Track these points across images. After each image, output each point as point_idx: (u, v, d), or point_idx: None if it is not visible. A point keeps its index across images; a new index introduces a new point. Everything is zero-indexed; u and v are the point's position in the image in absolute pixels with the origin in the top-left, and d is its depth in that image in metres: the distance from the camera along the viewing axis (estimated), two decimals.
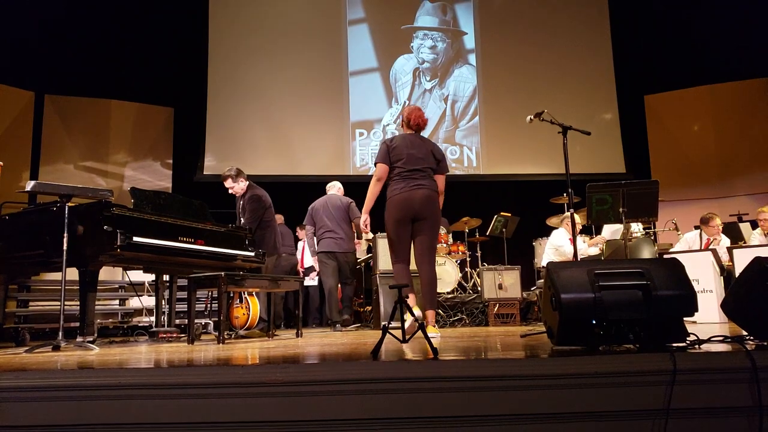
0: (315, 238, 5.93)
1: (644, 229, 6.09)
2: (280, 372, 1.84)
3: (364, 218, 3.97)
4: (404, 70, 8.90)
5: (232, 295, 4.62)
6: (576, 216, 6.24)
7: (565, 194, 6.53)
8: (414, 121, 4.05)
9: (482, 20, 9.13)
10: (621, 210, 4.44)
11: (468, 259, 7.09)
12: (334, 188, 6.21)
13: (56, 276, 6.24)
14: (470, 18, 9.12)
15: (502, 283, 6.25)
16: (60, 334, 3.43)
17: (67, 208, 3.58)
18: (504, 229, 7.16)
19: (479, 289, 6.50)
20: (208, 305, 6.00)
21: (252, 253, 4.82)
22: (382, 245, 5.95)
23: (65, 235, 3.54)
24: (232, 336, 4.48)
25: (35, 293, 6.68)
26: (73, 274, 3.82)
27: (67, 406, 1.96)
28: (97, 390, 1.94)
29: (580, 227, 6.16)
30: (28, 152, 7.79)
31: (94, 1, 7.99)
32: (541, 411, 1.90)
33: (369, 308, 7.21)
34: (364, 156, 8.66)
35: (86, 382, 1.96)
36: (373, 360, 2.00)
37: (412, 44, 8.96)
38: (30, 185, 3.46)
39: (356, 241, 6.29)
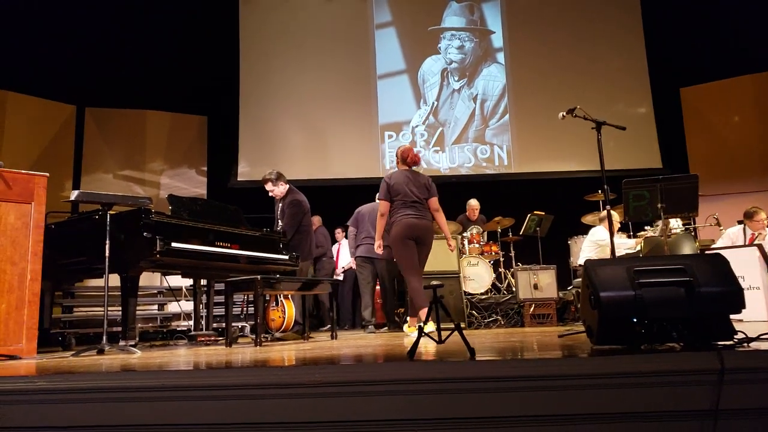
0: (356, 241, 6.03)
1: (684, 225, 5.93)
2: (319, 373, 1.86)
3: (378, 244, 4.64)
4: (432, 71, 8.88)
5: (267, 298, 4.68)
6: (613, 213, 6.15)
7: (600, 191, 6.42)
8: (411, 159, 4.72)
9: (510, 18, 9.04)
10: (659, 206, 4.33)
11: (501, 259, 7.02)
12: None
13: (98, 282, 6.43)
14: (498, 16, 9.04)
15: (538, 282, 6.16)
16: (104, 338, 3.54)
17: (108, 216, 3.69)
18: (538, 228, 7.06)
19: (514, 289, 6.43)
20: (244, 309, 6.09)
21: (286, 257, 4.87)
22: None
23: (107, 242, 3.65)
24: (269, 339, 4.54)
25: (79, 299, 6.91)
26: (114, 280, 3.93)
27: (111, 407, 2.01)
28: (139, 392, 1.99)
29: (618, 225, 6.03)
30: (70, 163, 8.06)
31: (128, 15, 8.21)
32: (581, 412, 1.87)
33: (402, 310, 7.21)
34: (393, 158, 8.65)
35: (130, 383, 2.01)
36: (410, 360, 2.00)
37: (439, 45, 8.94)
38: (74, 195, 3.58)
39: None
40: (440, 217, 4.74)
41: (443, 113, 8.81)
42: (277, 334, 4.70)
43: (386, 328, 6.14)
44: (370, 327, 5.81)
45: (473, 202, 7.45)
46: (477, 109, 8.81)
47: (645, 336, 2.13)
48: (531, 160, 8.72)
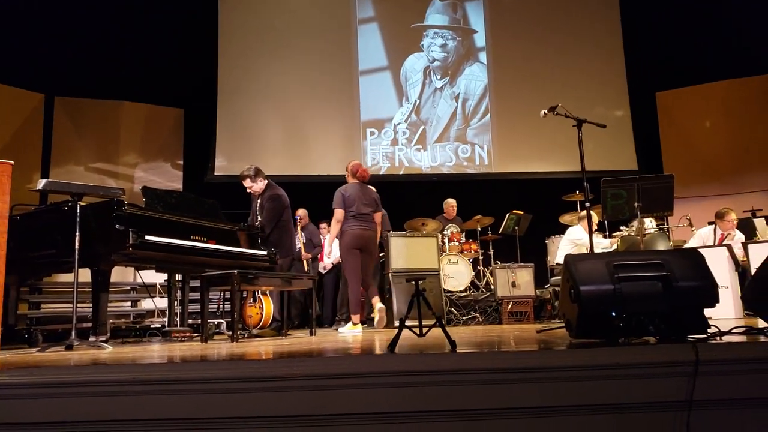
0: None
1: (657, 225, 6.02)
2: (297, 366, 1.81)
3: (328, 250, 5.57)
4: (414, 68, 8.87)
5: (245, 294, 4.61)
6: (592, 213, 6.21)
7: (578, 191, 6.50)
8: (360, 174, 5.40)
9: (492, 18, 9.08)
10: (636, 204, 4.38)
11: (480, 257, 7.05)
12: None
13: (67, 278, 6.26)
14: (480, 16, 9.07)
15: (516, 280, 6.20)
16: (72, 333, 3.43)
17: (78, 207, 3.58)
18: (516, 227, 7.10)
19: (492, 287, 6.45)
20: (221, 306, 5.99)
21: (264, 252, 4.80)
22: (395, 244, 5.94)
23: (77, 234, 3.54)
24: (245, 335, 4.46)
25: (47, 295, 6.72)
26: (84, 275, 3.82)
27: (80, 402, 1.94)
28: (111, 386, 1.92)
29: (596, 225, 6.09)
30: (38, 154, 7.83)
31: (106, 4, 8.02)
32: (560, 403, 1.87)
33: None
34: (375, 155, 8.63)
35: (100, 377, 1.94)
36: (390, 353, 1.97)
37: (422, 43, 8.93)
38: (41, 183, 3.47)
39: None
40: (380, 229, 5.46)
41: (425, 111, 8.80)
42: (255, 331, 4.63)
43: (365, 325, 6.10)
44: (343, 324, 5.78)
45: (450, 201, 7.48)
46: (459, 108, 8.82)
47: (623, 329, 2.14)
48: (511, 160, 8.77)
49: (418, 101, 8.79)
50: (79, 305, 3.80)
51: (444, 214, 7.48)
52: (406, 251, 5.92)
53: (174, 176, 8.59)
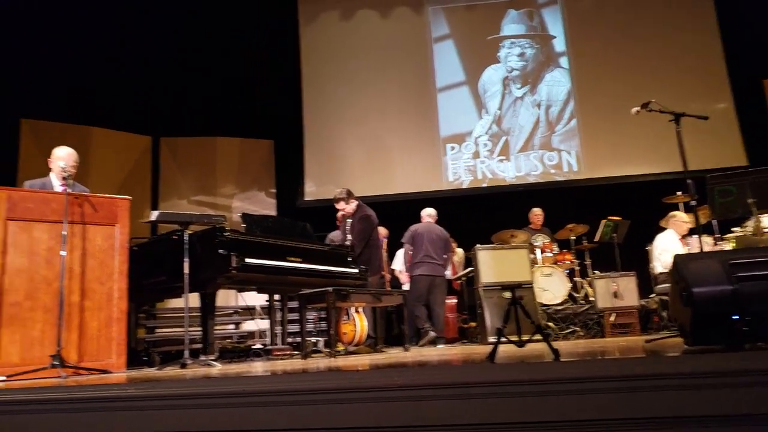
0: (411, 259, 6.12)
1: None
2: (398, 376, 1.82)
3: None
4: (493, 80, 8.78)
5: (339, 311, 4.71)
6: (683, 215, 5.78)
7: (679, 192, 6.08)
8: None
9: (571, 20, 8.82)
10: (749, 201, 4.02)
11: (577, 267, 6.76)
12: (430, 216, 6.40)
13: (177, 303, 6.70)
14: (558, 21, 8.85)
15: (618, 290, 5.87)
16: (185, 353, 3.66)
17: (186, 235, 3.84)
18: (614, 234, 6.73)
19: (592, 298, 6.16)
20: (316, 325, 6.14)
21: (356, 270, 4.90)
22: (483, 258, 5.84)
23: (185, 260, 3.80)
24: (342, 352, 4.54)
25: (160, 320, 7.21)
26: (193, 301, 4.07)
27: (195, 413, 2.05)
28: (220, 398, 2.02)
29: (687, 229, 5.66)
30: (148, 191, 8.49)
31: (195, 47, 8.62)
32: (675, 414, 1.73)
33: (474, 324, 7.06)
34: (456, 170, 8.59)
35: (212, 390, 2.05)
36: (490, 363, 1.93)
37: (499, 54, 8.84)
38: (155, 215, 3.77)
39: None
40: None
41: (507, 122, 8.66)
42: (351, 348, 4.71)
43: (462, 342, 6.01)
44: (428, 339, 5.71)
45: (536, 210, 7.28)
46: (542, 116, 8.60)
47: (749, 334, 1.96)
48: (602, 164, 8.39)
49: (498, 112, 8.67)
50: (189, 328, 4.05)
51: (531, 225, 7.27)
52: (496, 264, 5.80)
53: (268, 204, 9.00)
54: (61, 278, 3.37)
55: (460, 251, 7.57)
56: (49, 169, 4.06)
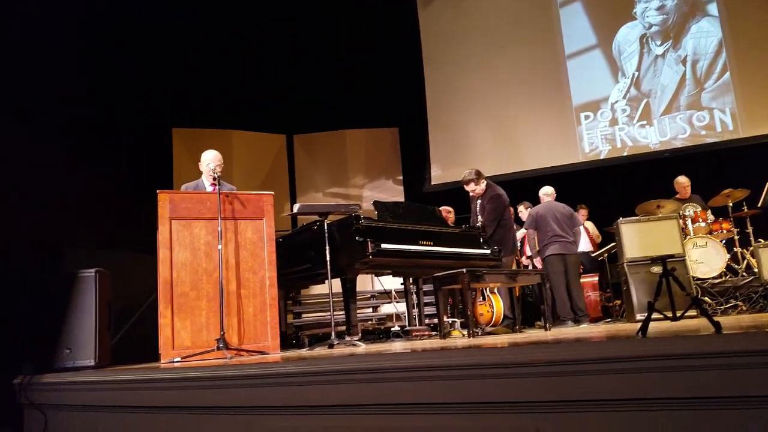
0: (539, 242, 5.96)
1: None
2: (542, 351, 1.79)
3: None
4: (629, 39, 8.11)
5: (474, 293, 4.71)
6: None
7: None
8: None
9: None
10: None
11: (736, 237, 6.09)
12: (550, 194, 6.20)
13: (319, 289, 7.13)
14: None
15: None
16: (332, 334, 3.90)
17: (325, 225, 4.07)
18: None
19: (756, 270, 5.52)
20: (452, 307, 6.18)
21: (488, 251, 4.85)
22: (627, 232, 5.48)
23: (326, 248, 4.03)
24: (479, 333, 4.54)
25: (305, 306, 7.73)
26: (334, 286, 4.30)
27: (346, 388, 2.19)
28: (370, 373, 2.14)
29: None
30: (286, 187, 9.09)
31: (317, 43, 9.03)
32: None
33: (618, 302, 6.68)
34: (592, 140, 8.10)
35: (359, 366, 2.17)
36: (642, 337, 1.83)
37: (635, 10, 8.13)
38: (296, 207, 4.05)
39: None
40: None
41: (647, 83, 7.98)
42: (488, 329, 4.69)
43: (606, 320, 5.74)
44: (569, 322, 5.49)
45: (681, 179, 6.65)
46: (688, 72, 7.79)
47: None
48: (763, 121, 7.42)
49: (636, 74, 8.01)
50: (329, 313, 4.31)
51: (677, 196, 6.67)
52: (642, 238, 5.39)
53: (396, 191, 9.20)
54: (220, 269, 3.74)
55: (590, 224, 7.23)
56: (200, 172, 4.51)
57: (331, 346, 3.73)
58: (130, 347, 4.49)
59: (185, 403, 2.64)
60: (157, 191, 3.83)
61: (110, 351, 3.83)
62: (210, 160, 4.34)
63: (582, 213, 7.12)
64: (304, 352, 3.81)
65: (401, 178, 9.29)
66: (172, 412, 2.69)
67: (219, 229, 3.77)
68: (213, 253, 3.84)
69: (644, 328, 1.95)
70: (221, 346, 3.51)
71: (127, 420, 2.89)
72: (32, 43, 5.07)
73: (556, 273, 5.69)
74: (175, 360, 3.51)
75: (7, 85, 4.57)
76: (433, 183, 8.84)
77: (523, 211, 6.13)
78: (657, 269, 4.72)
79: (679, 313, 2.20)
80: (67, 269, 3.86)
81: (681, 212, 6.24)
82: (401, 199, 9.07)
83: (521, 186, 7.32)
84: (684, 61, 7.80)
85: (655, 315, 2.44)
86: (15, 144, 4.54)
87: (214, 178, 4.11)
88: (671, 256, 2.04)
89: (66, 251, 4.47)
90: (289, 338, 5.75)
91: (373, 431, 2.13)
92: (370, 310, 7.53)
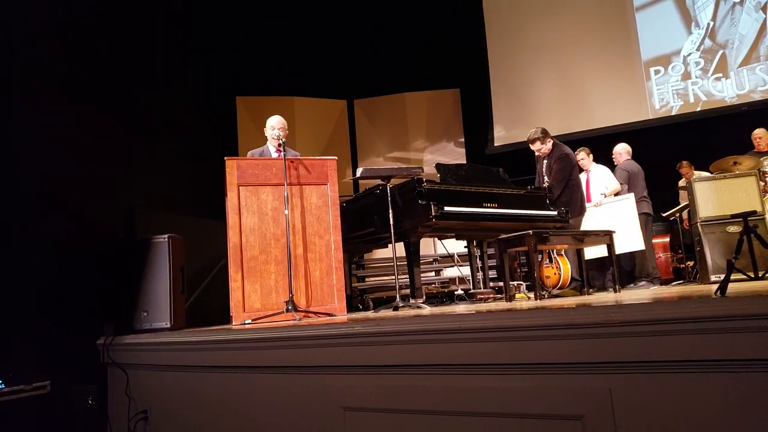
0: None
1: None
2: (615, 312, 1.76)
3: None
4: None
5: (540, 255, 4.63)
6: None
7: None
8: None
9: None
10: None
11: None
12: (629, 152, 6.11)
13: (382, 254, 7.22)
14: None
15: None
16: (397, 296, 3.96)
17: (388, 189, 4.09)
18: None
19: None
20: (518, 269, 6.13)
21: (555, 213, 4.75)
22: (701, 190, 5.20)
23: (390, 211, 4.06)
24: (546, 295, 4.49)
25: (369, 270, 7.87)
26: (397, 250, 4.34)
27: (411, 348, 2.23)
28: (438, 334, 2.17)
29: None
30: (348, 152, 9.16)
31: (376, 7, 8.90)
32: None
33: (690, 263, 6.40)
34: (663, 95, 7.66)
35: (427, 327, 2.20)
36: (721, 297, 1.76)
37: None
38: (360, 171, 4.08)
39: None
40: None
41: (722, 33, 7.42)
42: (555, 291, 4.62)
43: (678, 282, 5.54)
44: (655, 280, 5.36)
45: (758, 132, 6.21)
46: None
47: None
48: None
49: (711, 23, 7.45)
50: (391, 276, 4.36)
51: (755, 150, 6.24)
52: (717, 196, 5.10)
53: (457, 154, 9.09)
54: (287, 234, 3.85)
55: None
56: (265, 139, 4.61)
57: (396, 308, 3.80)
58: (203, 310, 4.71)
59: (257, 363, 2.75)
60: (225, 158, 3.94)
61: (184, 314, 4.03)
62: (275, 125, 4.43)
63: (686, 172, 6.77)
64: (370, 314, 3.89)
65: (463, 140, 9.15)
66: (244, 372, 2.82)
67: (285, 194, 3.86)
68: (280, 218, 3.95)
69: (723, 288, 1.87)
70: (290, 308, 3.64)
71: (202, 379, 3.06)
72: (103, 17, 5.25)
73: (647, 233, 5.63)
74: (246, 322, 3.67)
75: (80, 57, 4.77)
76: (496, 144, 8.67)
77: (585, 158, 5.90)
78: (733, 228, 4.47)
79: (761, 273, 2.09)
80: (140, 235, 4.07)
81: (761, 168, 5.85)
82: (463, 161, 8.96)
83: (588, 145, 7.05)
84: (764, 8, 7.18)
85: (734, 276, 2.32)
86: (84, 114, 4.68)
87: (279, 144, 4.19)
88: (753, 212, 1.91)
89: (138, 217, 4.66)
90: (353, 301, 5.89)
91: (439, 391, 2.17)
92: (433, 273, 7.58)
